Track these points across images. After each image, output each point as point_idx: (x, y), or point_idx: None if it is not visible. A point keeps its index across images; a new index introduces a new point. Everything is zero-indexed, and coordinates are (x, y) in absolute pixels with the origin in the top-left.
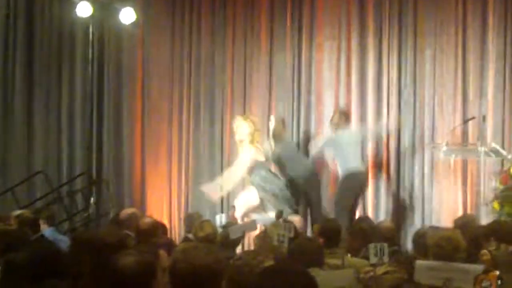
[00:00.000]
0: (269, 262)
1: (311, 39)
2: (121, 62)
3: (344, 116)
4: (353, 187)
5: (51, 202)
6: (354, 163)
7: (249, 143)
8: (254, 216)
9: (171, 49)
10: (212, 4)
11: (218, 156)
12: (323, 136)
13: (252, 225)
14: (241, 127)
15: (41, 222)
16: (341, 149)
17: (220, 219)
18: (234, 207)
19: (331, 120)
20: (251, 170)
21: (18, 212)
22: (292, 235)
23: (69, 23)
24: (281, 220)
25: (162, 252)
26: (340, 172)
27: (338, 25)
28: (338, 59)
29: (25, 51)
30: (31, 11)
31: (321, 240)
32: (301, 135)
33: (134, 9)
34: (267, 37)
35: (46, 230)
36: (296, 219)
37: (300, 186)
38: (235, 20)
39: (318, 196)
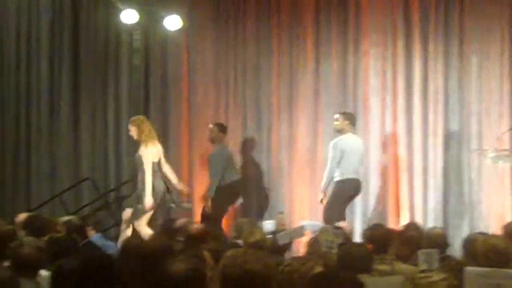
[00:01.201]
0: (318, 269)
1: (357, 46)
2: (166, 69)
3: (348, 120)
4: (349, 195)
5: (98, 209)
6: (354, 172)
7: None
8: (303, 222)
9: (217, 56)
10: (257, 11)
11: (265, 163)
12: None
13: (300, 231)
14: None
15: (88, 228)
16: (344, 155)
17: (268, 226)
18: (282, 213)
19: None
20: None
21: (65, 218)
22: (341, 241)
23: (114, 31)
24: (330, 226)
25: (209, 258)
26: (337, 178)
27: (384, 32)
28: (384, 66)
29: (71, 59)
30: (76, 18)
31: (369, 246)
32: None
33: (180, 16)
34: (313, 45)
35: (93, 236)
36: (345, 225)
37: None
38: (281, 27)
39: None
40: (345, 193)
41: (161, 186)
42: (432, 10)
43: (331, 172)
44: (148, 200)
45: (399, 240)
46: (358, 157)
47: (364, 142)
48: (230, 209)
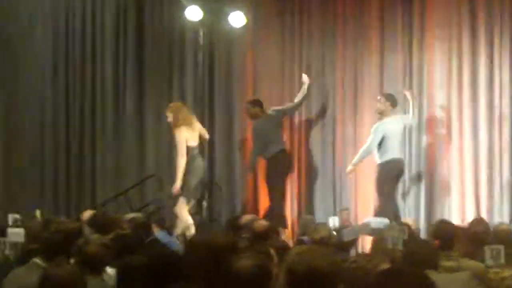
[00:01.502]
0: (384, 265)
1: (422, 40)
2: (231, 65)
3: (390, 101)
4: (393, 175)
5: (164, 205)
6: (396, 153)
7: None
8: (368, 219)
9: (281, 51)
10: (321, 5)
11: (330, 156)
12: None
13: (365, 227)
14: None
15: (153, 225)
16: (385, 139)
17: (333, 222)
18: (346, 209)
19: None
20: None
21: (131, 215)
22: (406, 237)
23: (179, 27)
24: (395, 222)
25: (274, 254)
26: (379, 161)
27: (449, 25)
28: (450, 60)
29: (136, 57)
30: (141, 16)
31: (435, 242)
32: (413, 135)
33: (244, 13)
34: (378, 38)
35: (158, 233)
36: (410, 221)
37: None
38: (346, 21)
39: None
40: (388, 174)
41: (200, 170)
42: (497, 3)
43: (366, 152)
44: (177, 184)
45: (465, 236)
46: (398, 139)
47: (429, 136)
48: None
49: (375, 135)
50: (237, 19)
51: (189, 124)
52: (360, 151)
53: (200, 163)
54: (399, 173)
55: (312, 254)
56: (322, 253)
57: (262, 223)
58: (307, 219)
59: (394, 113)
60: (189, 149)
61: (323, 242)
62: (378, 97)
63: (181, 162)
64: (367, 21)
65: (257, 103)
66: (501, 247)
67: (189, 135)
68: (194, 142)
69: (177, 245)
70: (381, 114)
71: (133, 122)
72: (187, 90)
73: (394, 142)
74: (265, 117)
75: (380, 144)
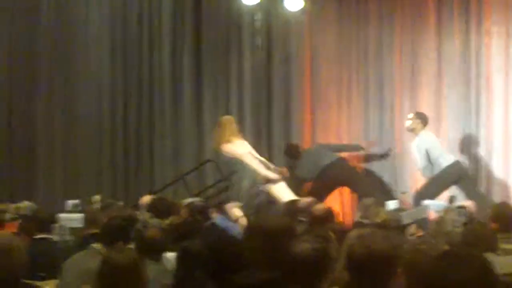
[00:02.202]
0: (444, 247)
1: (479, 24)
2: (289, 49)
3: (420, 119)
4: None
5: (222, 190)
6: (449, 158)
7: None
8: (426, 202)
9: (339, 35)
10: None
11: (388, 143)
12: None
13: (424, 210)
14: None
15: (211, 210)
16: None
17: (393, 205)
18: (405, 192)
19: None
20: None
21: (189, 200)
22: (465, 220)
23: (236, 12)
24: (454, 205)
25: (333, 238)
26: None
27: (506, 9)
28: (507, 44)
29: (193, 41)
30: (198, 1)
31: (494, 225)
32: (472, 119)
33: None
34: (435, 23)
35: (216, 217)
36: (469, 204)
37: None
38: (403, 5)
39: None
40: (448, 179)
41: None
42: None
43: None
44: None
45: None
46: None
47: (487, 121)
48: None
49: (420, 153)
50: (294, 2)
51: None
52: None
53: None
54: (461, 174)
55: (372, 237)
56: (381, 236)
57: (321, 207)
58: (367, 202)
59: (426, 131)
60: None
61: (383, 225)
62: (410, 115)
63: (249, 158)
64: (424, 6)
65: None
66: None
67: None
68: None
69: (236, 230)
70: (412, 132)
71: (191, 107)
72: (245, 75)
73: (437, 149)
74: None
75: (429, 159)
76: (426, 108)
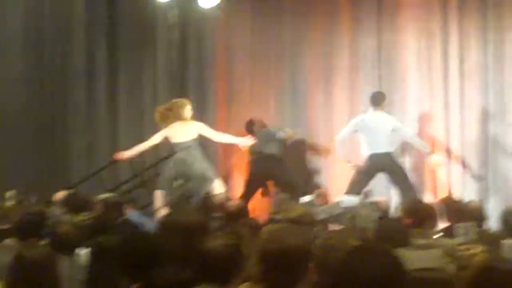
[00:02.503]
0: (355, 242)
1: (393, 21)
2: (203, 46)
3: (372, 99)
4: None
5: (137, 186)
6: (380, 149)
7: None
8: (340, 197)
9: (254, 31)
10: None
11: (303, 136)
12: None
13: (338, 205)
14: None
15: (126, 205)
16: (368, 134)
17: (307, 201)
18: (320, 188)
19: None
20: None
21: (103, 196)
22: (378, 215)
23: (150, 8)
24: (368, 200)
25: (247, 234)
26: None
27: (420, 6)
28: (420, 41)
29: (107, 37)
30: None
31: (407, 220)
32: None
33: None
34: (349, 19)
35: (131, 213)
36: (383, 200)
37: None
38: (317, 1)
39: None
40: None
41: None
42: None
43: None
44: (125, 153)
45: (437, 214)
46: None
47: (401, 117)
48: None
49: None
50: None
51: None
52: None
53: (180, 157)
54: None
55: (284, 232)
56: (294, 231)
57: (235, 203)
58: (281, 198)
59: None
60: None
61: (298, 221)
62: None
63: (145, 143)
64: (338, 1)
65: None
66: (472, 224)
67: (176, 132)
68: (181, 139)
69: (150, 226)
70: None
71: (105, 103)
72: (159, 71)
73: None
74: None
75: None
76: (340, 104)
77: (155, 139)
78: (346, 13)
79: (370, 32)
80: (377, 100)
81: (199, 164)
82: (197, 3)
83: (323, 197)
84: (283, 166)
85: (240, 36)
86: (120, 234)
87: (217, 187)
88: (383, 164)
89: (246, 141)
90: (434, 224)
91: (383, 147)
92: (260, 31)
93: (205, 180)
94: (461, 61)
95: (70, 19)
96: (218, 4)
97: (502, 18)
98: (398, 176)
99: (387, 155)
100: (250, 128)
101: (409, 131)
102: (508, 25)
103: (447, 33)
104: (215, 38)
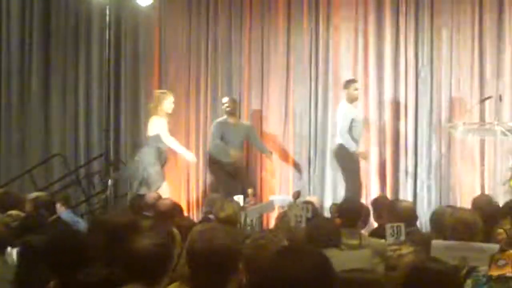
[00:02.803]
0: (286, 243)
1: (328, 20)
2: (138, 44)
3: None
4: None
5: (69, 185)
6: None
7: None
8: (272, 197)
9: (188, 30)
10: None
11: None
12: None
13: (270, 205)
14: None
15: (58, 204)
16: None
17: (239, 200)
18: (251, 188)
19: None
20: None
21: (34, 194)
22: (310, 215)
23: (85, 6)
24: (299, 200)
25: (177, 233)
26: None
27: (355, 6)
28: (356, 40)
29: (42, 34)
30: None
31: (339, 220)
32: (319, 114)
33: None
34: (284, 18)
35: (63, 212)
36: (314, 200)
37: None
38: (252, 1)
39: None
40: None
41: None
42: None
43: None
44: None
45: (368, 214)
46: None
47: (334, 118)
48: None
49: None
50: None
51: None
52: None
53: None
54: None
55: (214, 232)
56: (224, 231)
57: (166, 202)
58: (213, 197)
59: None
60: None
61: (229, 220)
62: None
63: (172, 140)
64: (274, 1)
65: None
66: (402, 225)
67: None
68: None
69: (82, 224)
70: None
71: (38, 100)
72: (94, 69)
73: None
74: None
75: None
76: (274, 102)
77: (167, 134)
78: (281, 13)
79: (306, 32)
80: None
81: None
82: (133, 1)
83: (256, 197)
84: (212, 167)
85: (174, 35)
86: (49, 233)
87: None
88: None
89: (191, 158)
90: (365, 224)
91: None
92: (194, 29)
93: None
94: (395, 60)
95: (3, 15)
96: (153, 2)
97: (437, 18)
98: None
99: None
100: None
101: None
102: (442, 25)
103: (381, 32)
104: (150, 36)
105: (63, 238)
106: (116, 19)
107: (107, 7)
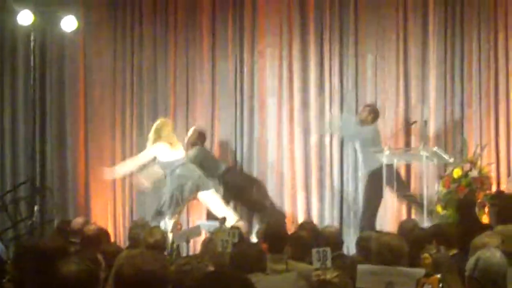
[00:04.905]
0: (210, 268)
1: (253, 46)
2: (63, 70)
3: (373, 113)
4: (379, 185)
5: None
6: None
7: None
8: (199, 222)
9: (113, 57)
10: (153, 11)
11: None
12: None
13: (197, 230)
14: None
15: None
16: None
17: (165, 226)
18: (178, 213)
19: (359, 114)
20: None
21: None
22: (236, 240)
23: (10, 31)
24: (225, 226)
25: (101, 259)
26: (364, 169)
27: (280, 32)
28: (280, 66)
29: None
30: None
31: (264, 245)
32: (244, 140)
33: (76, 17)
34: (209, 45)
35: None
36: (241, 225)
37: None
38: (177, 28)
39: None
40: None
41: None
42: (327, 10)
43: None
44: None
45: (293, 239)
46: None
47: (260, 142)
48: None
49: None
50: (69, 23)
51: (169, 142)
52: None
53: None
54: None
55: (141, 257)
56: (151, 256)
57: (93, 227)
58: (139, 222)
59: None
60: (168, 164)
61: (157, 245)
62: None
63: (134, 160)
64: (198, 28)
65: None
66: (328, 249)
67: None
68: (173, 157)
69: (1, 250)
70: (363, 123)
71: None
72: (19, 94)
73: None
74: None
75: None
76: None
77: (141, 155)
78: (206, 39)
79: (231, 58)
80: None
81: None
82: (58, 27)
83: (179, 222)
84: None
85: (99, 61)
86: None
87: None
88: None
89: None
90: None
91: None
92: (120, 55)
93: None
94: (320, 86)
95: None
96: (77, 28)
97: (361, 44)
98: None
99: None
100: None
101: None
102: (367, 51)
103: (306, 58)
104: (75, 62)
105: None
106: (41, 44)
107: (32, 33)
